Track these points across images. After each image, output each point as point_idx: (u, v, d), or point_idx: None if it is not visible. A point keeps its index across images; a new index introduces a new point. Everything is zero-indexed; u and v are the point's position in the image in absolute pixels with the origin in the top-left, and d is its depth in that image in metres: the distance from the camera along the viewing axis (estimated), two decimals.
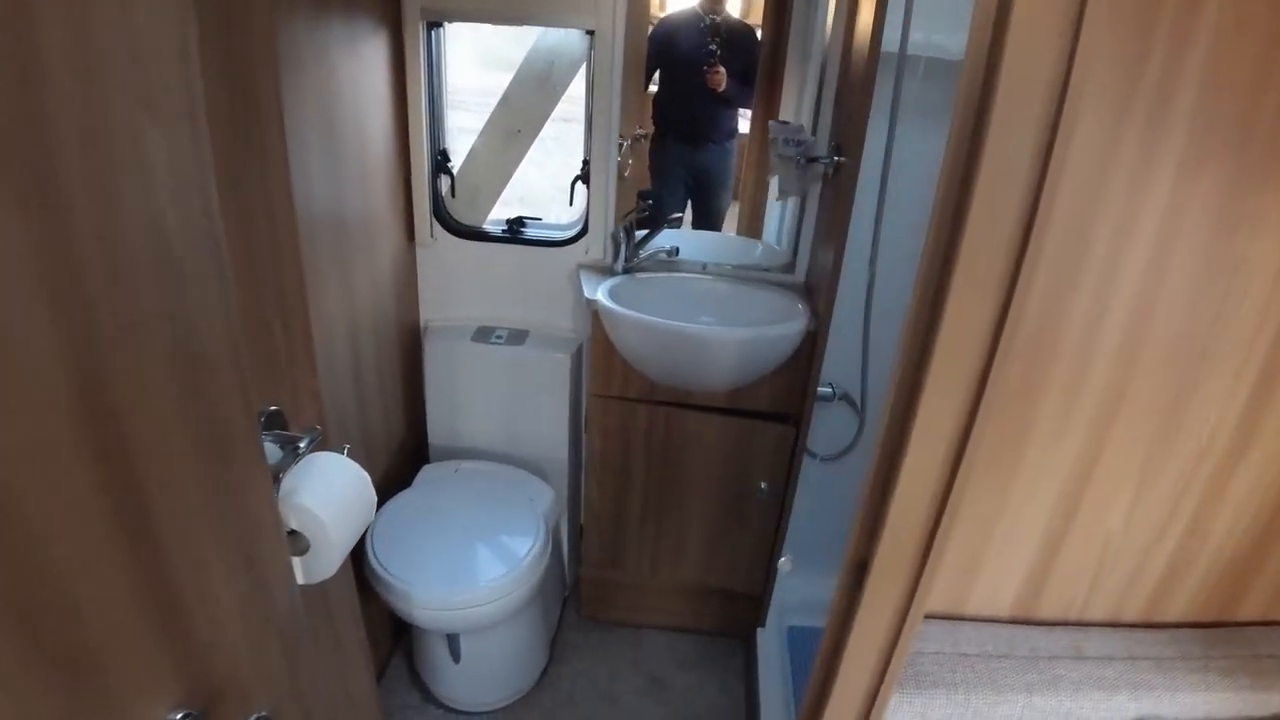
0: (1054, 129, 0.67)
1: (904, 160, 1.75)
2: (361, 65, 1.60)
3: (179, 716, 0.66)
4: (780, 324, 1.69)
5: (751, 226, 2.22)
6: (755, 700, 2.02)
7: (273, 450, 1.04)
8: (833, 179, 1.69)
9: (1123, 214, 0.92)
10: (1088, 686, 1.14)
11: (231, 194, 0.87)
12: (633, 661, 2.19)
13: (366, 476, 1.12)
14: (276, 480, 1.01)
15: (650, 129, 2.05)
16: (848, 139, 1.60)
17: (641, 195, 1.95)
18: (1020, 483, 1.11)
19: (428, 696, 1.99)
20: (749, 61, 2.03)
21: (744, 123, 2.23)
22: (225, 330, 0.71)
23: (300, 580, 1.05)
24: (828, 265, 1.71)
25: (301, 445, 1.03)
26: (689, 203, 2.22)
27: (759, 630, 2.17)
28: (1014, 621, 1.25)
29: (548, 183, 2.12)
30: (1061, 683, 1.14)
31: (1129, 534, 1.19)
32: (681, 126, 1.97)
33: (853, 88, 1.59)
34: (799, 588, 2.27)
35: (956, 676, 1.12)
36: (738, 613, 2.23)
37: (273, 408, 1.06)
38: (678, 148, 2.00)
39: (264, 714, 0.78)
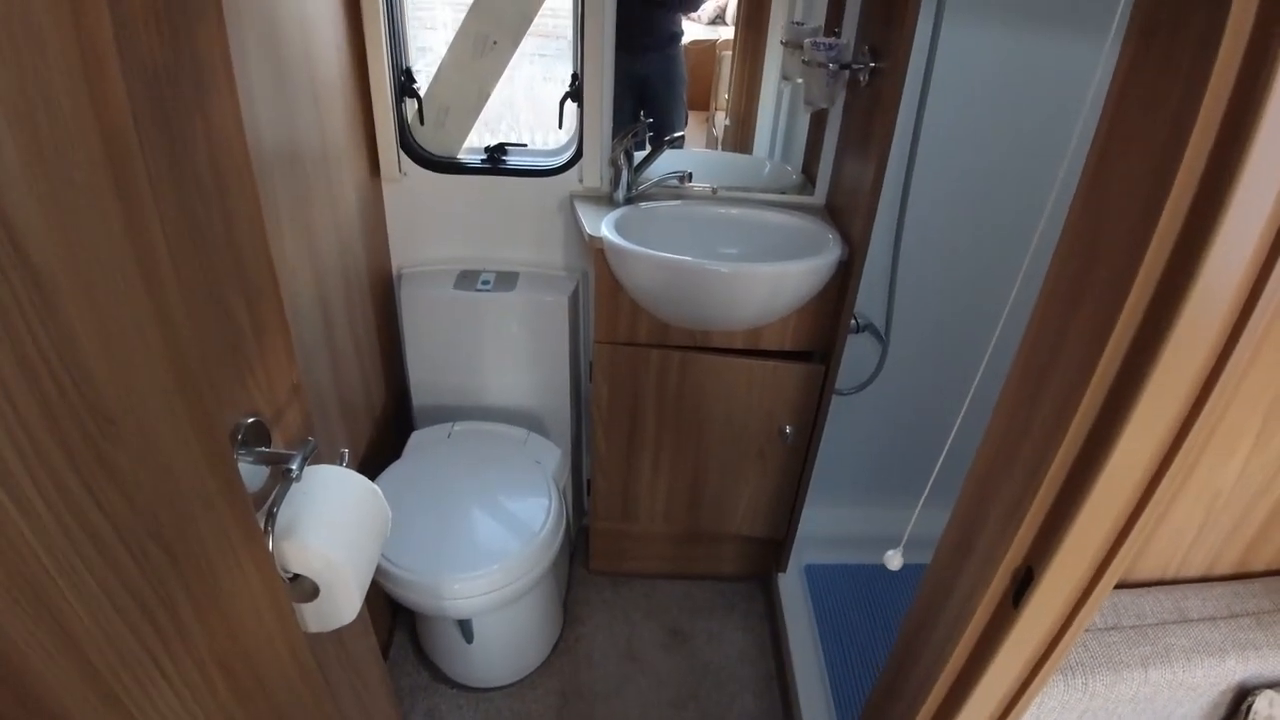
0: None
1: (948, 64, 1.55)
2: None
3: None
4: (812, 255, 1.49)
5: (740, 142, 2.00)
6: (782, 643, 1.94)
7: (255, 473, 0.84)
8: (865, 87, 1.47)
9: None
10: (1198, 654, 1.04)
11: (157, 120, 0.64)
12: (650, 614, 2.08)
13: (376, 490, 0.92)
14: (270, 516, 0.81)
15: None
16: (886, 40, 1.38)
17: None
18: None
19: (438, 675, 1.85)
20: None
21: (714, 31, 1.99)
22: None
23: (311, 629, 0.87)
24: (858, 185, 1.52)
25: (293, 467, 0.83)
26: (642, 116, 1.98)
27: (779, 575, 2.07)
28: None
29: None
30: (1173, 652, 1.04)
31: (1237, 489, 1.07)
32: (620, 36, 1.71)
33: None
34: (814, 524, 2.16)
35: (1071, 658, 0.99)
36: (756, 556, 2.12)
37: (249, 419, 0.84)
38: (617, 56, 1.74)
39: None
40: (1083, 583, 0.73)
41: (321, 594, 0.84)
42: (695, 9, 1.95)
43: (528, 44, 1.67)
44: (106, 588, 0.49)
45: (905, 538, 0.96)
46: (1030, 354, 0.76)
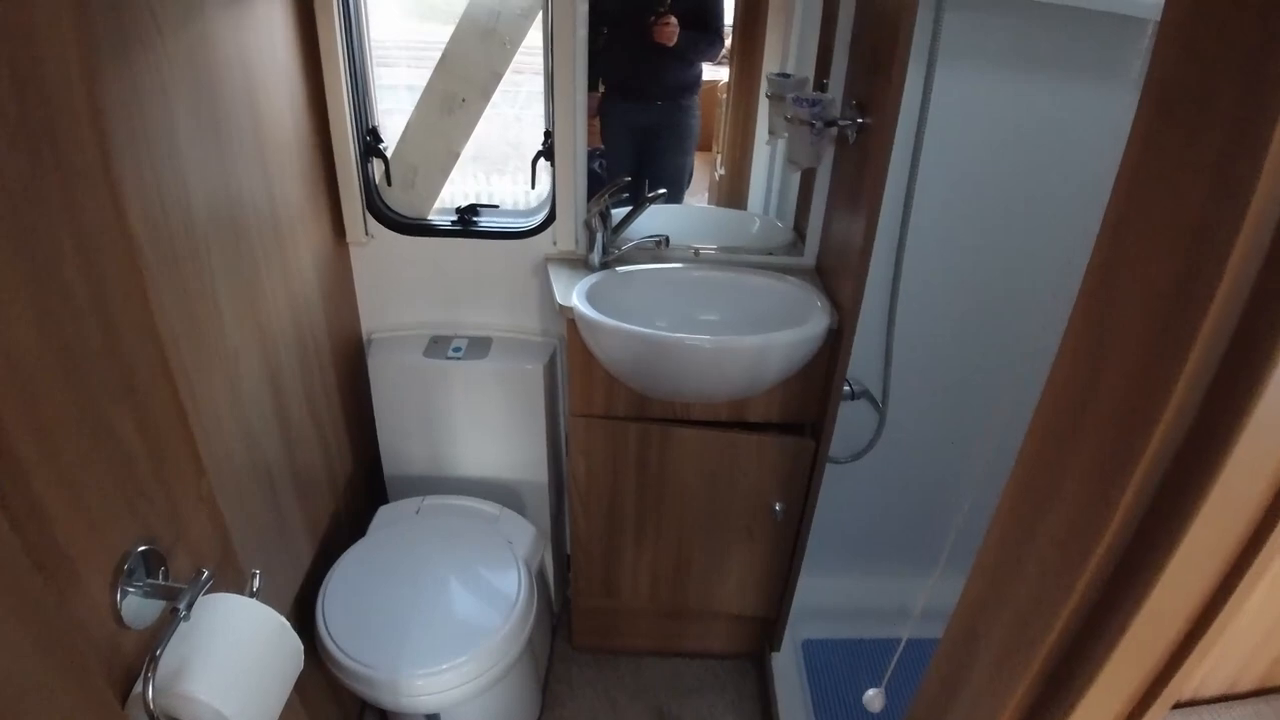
0: None
1: (942, 118, 1.46)
2: (252, 26, 1.23)
3: None
4: (799, 325, 1.39)
5: (733, 196, 1.90)
6: None
7: (145, 608, 0.74)
8: (854, 144, 1.38)
9: None
10: None
11: (10, 241, 0.56)
12: (635, 694, 1.95)
13: (284, 624, 0.82)
14: (152, 661, 0.71)
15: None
16: (874, 94, 1.29)
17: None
18: None
19: None
20: (710, 7, 1.68)
21: (715, 71, 1.90)
22: None
23: None
24: (848, 247, 1.42)
25: (180, 608, 0.73)
26: (643, 169, 1.87)
27: (773, 655, 1.94)
28: None
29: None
30: None
31: (1269, 599, 0.95)
32: (626, 84, 1.63)
33: (880, 27, 1.27)
34: (812, 595, 2.03)
35: None
36: (748, 633, 1.99)
37: (141, 548, 0.74)
38: (623, 105, 1.66)
39: None
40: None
41: None
42: (714, 58, 1.83)
43: (534, 82, 1.58)
44: None
45: (887, 677, 0.84)
46: (1024, 482, 0.65)
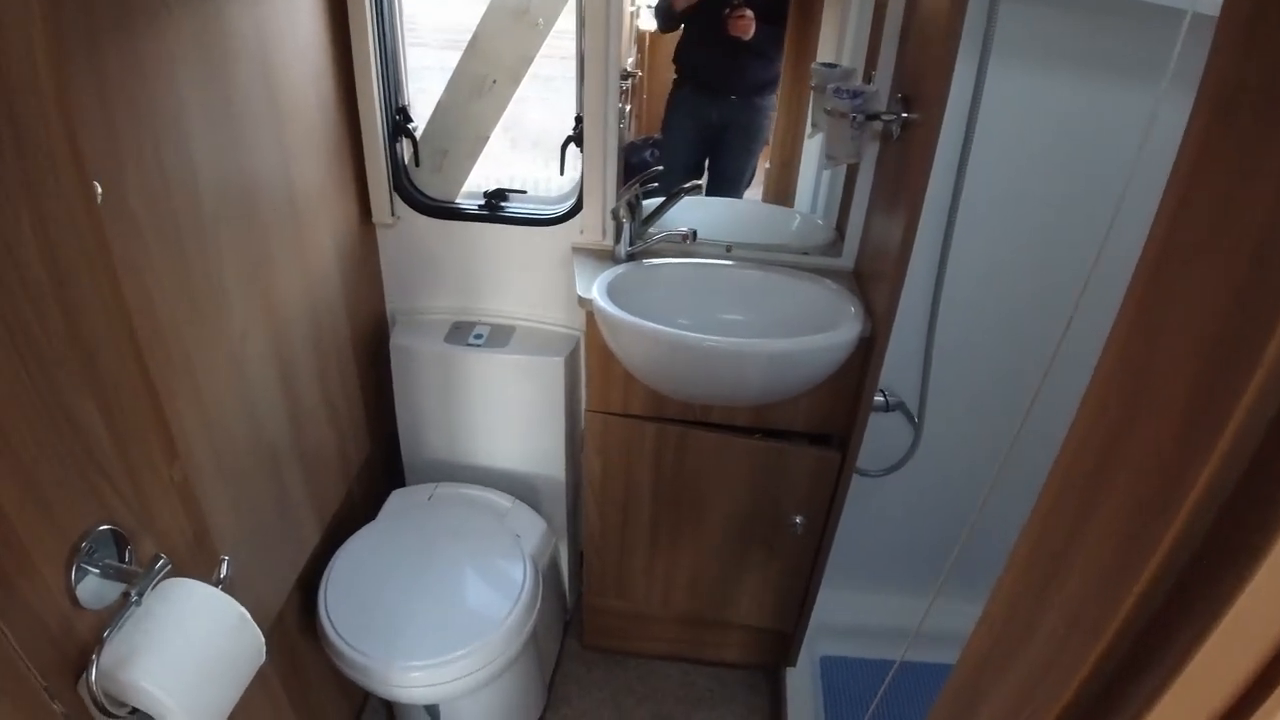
0: None
1: (994, 117, 1.36)
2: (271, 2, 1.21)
3: None
4: (828, 331, 1.32)
5: (780, 191, 1.81)
6: None
7: (103, 589, 0.72)
8: (897, 141, 1.29)
9: None
10: None
11: None
12: (643, 699, 1.90)
13: (243, 614, 0.78)
14: (100, 643, 0.69)
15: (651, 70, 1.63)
16: (920, 89, 1.21)
17: (635, 145, 1.57)
18: None
19: None
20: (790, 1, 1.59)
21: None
22: None
23: None
24: (888, 250, 1.34)
25: (133, 593, 0.70)
26: (705, 163, 1.79)
27: (788, 670, 1.86)
28: None
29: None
30: None
31: None
32: (700, 76, 1.57)
33: (929, 17, 1.18)
34: (834, 611, 1.95)
35: None
36: (765, 644, 1.92)
37: (102, 527, 0.72)
38: (694, 98, 1.60)
39: None
40: None
41: None
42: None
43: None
44: None
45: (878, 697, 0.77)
46: (1040, 534, 0.58)
